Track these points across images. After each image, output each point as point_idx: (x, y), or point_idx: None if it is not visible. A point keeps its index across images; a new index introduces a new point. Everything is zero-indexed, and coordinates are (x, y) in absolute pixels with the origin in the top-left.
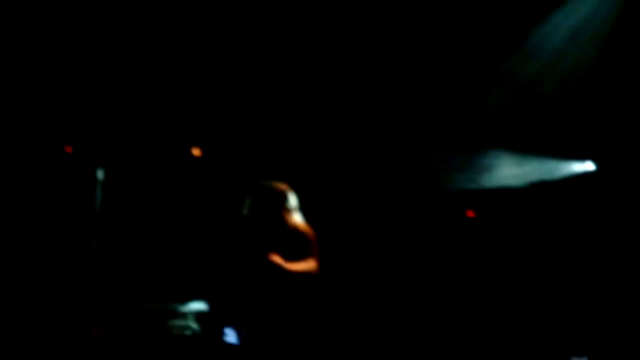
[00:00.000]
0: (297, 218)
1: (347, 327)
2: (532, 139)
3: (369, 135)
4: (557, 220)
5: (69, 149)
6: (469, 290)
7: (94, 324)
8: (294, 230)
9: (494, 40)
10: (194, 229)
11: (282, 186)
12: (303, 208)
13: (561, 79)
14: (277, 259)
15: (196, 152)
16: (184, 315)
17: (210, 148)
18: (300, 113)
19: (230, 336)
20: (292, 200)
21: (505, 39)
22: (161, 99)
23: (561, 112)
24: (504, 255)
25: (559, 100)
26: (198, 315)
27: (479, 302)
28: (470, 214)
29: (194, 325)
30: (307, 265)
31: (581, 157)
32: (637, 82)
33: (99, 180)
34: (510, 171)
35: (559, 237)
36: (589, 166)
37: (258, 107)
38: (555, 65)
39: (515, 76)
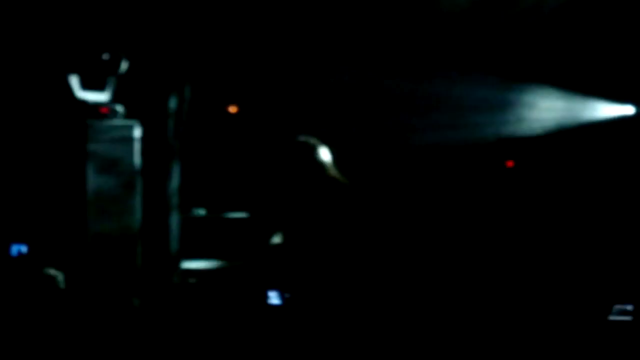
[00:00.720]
0: (332, 172)
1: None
2: (569, 75)
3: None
4: (598, 166)
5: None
6: (511, 237)
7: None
8: (332, 184)
9: None
10: (232, 189)
11: (312, 140)
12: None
13: None
14: None
15: (232, 109)
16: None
17: (246, 105)
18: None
19: (274, 298)
20: (324, 154)
21: None
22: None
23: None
24: (544, 203)
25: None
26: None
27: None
28: (510, 163)
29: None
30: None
31: (621, 99)
32: None
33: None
34: (556, 106)
35: (599, 183)
36: (628, 110)
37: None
38: None
39: None
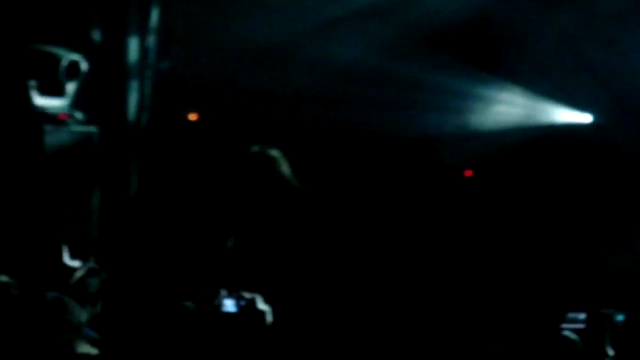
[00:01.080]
0: (287, 180)
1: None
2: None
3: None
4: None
5: None
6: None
7: None
8: (288, 193)
9: None
10: (191, 196)
11: (268, 150)
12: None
13: None
14: None
15: (193, 117)
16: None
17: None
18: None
19: (229, 306)
20: (280, 163)
21: None
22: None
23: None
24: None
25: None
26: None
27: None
28: (468, 173)
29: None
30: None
31: (580, 107)
32: None
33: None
34: (518, 105)
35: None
36: (586, 118)
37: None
38: None
39: None
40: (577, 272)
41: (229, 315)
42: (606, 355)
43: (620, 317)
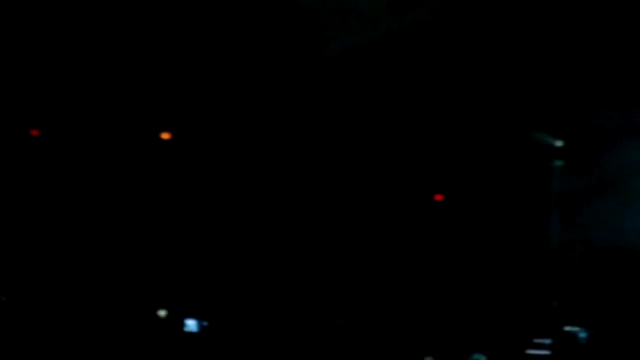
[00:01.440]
0: None
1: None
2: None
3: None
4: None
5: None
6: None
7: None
8: None
9: None
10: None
11: None
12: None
13: None
14: None
15: (165, 135)
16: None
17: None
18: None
19: (191, 326)
20: None
21: None
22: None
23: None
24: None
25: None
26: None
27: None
28: (438, 197)
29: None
30: None
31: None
32: None
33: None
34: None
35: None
36: (557, 143)
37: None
38: None
39: None
40: (545, 298)
41: (191, 334)
42: None
43: (583, 335)
